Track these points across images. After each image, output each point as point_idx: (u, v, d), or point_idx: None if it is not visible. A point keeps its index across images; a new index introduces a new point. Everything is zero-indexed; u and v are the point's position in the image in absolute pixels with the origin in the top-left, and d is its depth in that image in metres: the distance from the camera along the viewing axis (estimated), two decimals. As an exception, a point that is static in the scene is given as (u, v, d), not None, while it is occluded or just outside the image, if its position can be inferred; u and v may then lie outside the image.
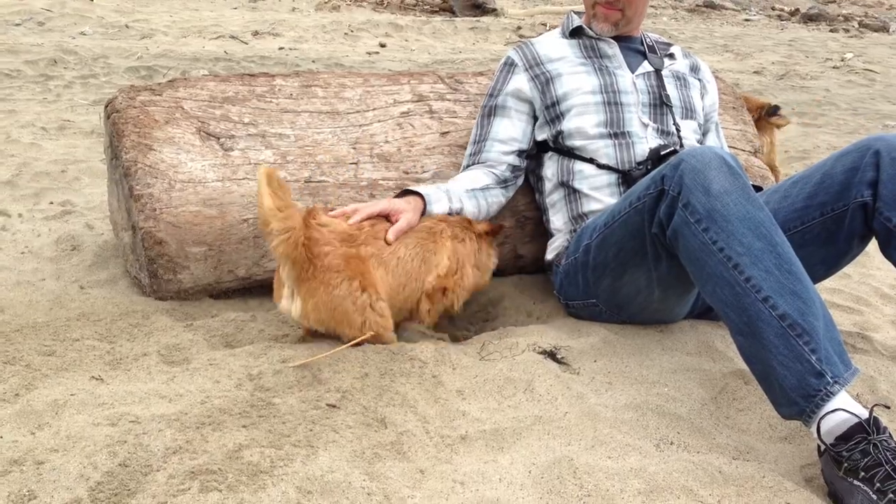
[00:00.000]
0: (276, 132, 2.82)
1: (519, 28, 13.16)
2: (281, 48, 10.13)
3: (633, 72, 2.78)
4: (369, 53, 10.33)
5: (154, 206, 2.55)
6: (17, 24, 10.15)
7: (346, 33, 11.75)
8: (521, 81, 2.80)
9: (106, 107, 2.80)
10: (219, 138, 2.74)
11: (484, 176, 2.74)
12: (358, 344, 2.26)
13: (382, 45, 11.20)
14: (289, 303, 2.23)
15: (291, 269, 2.18)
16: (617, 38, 2.83)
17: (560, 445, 1.89)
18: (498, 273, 3.06)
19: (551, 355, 2.31)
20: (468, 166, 2.83)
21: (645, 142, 2.66)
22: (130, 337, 2.33)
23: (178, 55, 8.71)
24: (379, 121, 2.97)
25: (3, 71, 7.39)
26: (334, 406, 1.97)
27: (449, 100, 3.11)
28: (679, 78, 2.85)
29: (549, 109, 2.75)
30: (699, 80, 2.95)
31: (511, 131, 2.80)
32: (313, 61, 9.10)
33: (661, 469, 1.82)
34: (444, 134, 3.00)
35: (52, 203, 3.76)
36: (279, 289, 2.27)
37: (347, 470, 1.71)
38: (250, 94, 2.89)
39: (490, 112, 2.84)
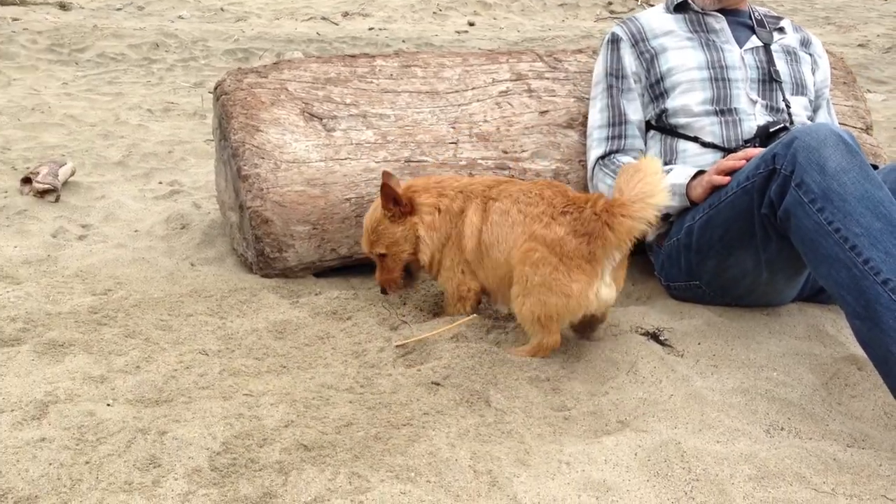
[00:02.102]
0: (377, 112, 2.85)
1: (610, 3, 12.88)
2: (371, 28, 10.23)
3: (741, 47, 2.69)
4: (458, 32, 10.31)
5: (261, 186, 2.62)
6: (119, 9, 10.55)
7: (434, 12, 11.75)
8: (630, 59, 2.75)
9: (215, 89, 2.89)
10: (322, 119, 2.80)
11: None
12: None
13: (471, 24, 11.17)
14: (609, 291, 2.12)
15: (621, 257, 2.14)
16: (724, 12, 2.74)
17: (666, 428, 1.87)
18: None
19: (654, 337, 2.28)
20: (615, 151, 2.74)
21: (753, 119, 2.58)
22: (240, 313, 2.42)
23: (273, 37, 8.89)
24: (478, 100, 2.97)
25: (109, 55, 7.71)
26: (438, 384, 2.00)
27: (548, 78, 3.08)
28: (789, 53, 2.74)
29: (654, 87, 2.70)
30: (810, 54, 2.84)
31: (640, 113, 2.76)
32: (403, 41, 9.15)
33: (773, 455, 1.78)
34: (542, 113, 2.98)
35: (160, 183, 3.92)
36: (590, 276, 2.07)
37: (453, 449, 1.73)
38: (352, 75, 2.94)
39: (618, 92, 2.76)
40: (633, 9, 12.25)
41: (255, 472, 1.62)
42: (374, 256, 2.44)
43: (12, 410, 1.80)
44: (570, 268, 2.06)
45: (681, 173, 2.47)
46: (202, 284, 2.64)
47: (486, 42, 9.39)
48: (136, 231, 3.22)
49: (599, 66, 2.82)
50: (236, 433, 1.75)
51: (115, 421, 1.76)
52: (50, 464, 1.61)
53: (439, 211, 2.33)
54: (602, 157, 2.74)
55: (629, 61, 2.74)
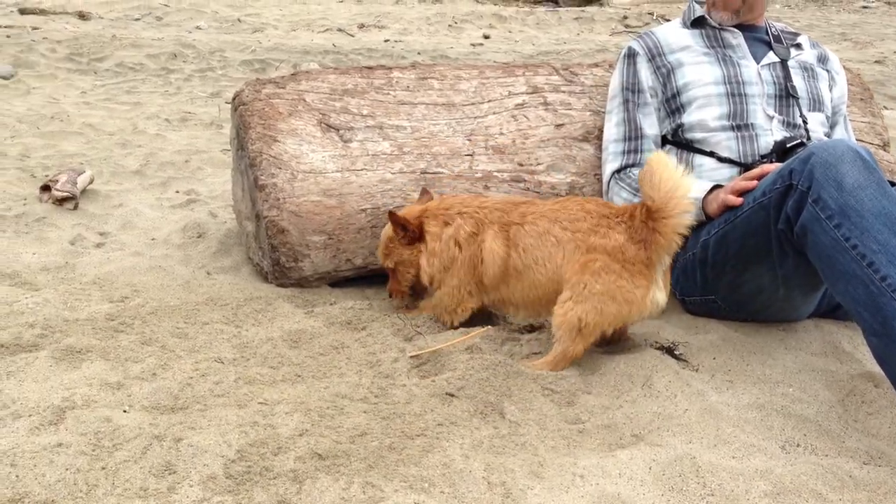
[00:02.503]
0: (394, 124, 2.87)
1: (625, 17, 12.92)
2: (387, 40, 10.29)
3: (758, 62, 2.69)
4: (473, 45, 10.36)
5: (278, 196, 2.64)
6: (137, 19, 10.67)
7: (450, 25, 11.82)
8: (646, 73, 2.75)
9: (233, 99, 2.91)
10: (338, 130, 2.81)
11: None
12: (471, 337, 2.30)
13: (486, 37, 11.22)
14: (662, 295, 2.16)
15: (670, 261, 2.18)
16: (741, 28, 2.75)
17: (681, 443, 1.86)
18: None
19: (669, 351, 2.28)
20: (630, 165, 2.74)
21: (770, 134, 2.58)
22: (256, 322, 2.43)
23: (289, 48, 8.96)
24: (494, 113, 2.98)
25: (128, 64, 7.79)
26: (453, 396, 2.00)
27: (564, 91, 3.09)
28: (806, 69, 2.74)
29: (670, 101, 2.70)
30: (827, 70, 2.83)
31: (656, 127, 2.76)
32: (419, 53, 9.19)
33: (788, 471, 1.77)
34: (558, 126, 2.99)
35: (177, 192, 3.94)
36: (649, 281, 2.13)
37: (467, 460, 1.73)
38: (369, 87, 2.96)
39: (634, 107, 2.77)
40: (648, 23, 12.27)
41: (270, 480, 1.63)
42: (386, 267, 2.55)
43: (30, 416, 1.81)
44: (633, 274, 2.11)
45: (697, 188, 2.47)
46: (218, 293, 2.65)
47: (501, 55, 9.42)
48: (153, 239, 3.25)
49: (616, 81, 2.83)
50: (251, 441, 1.75)
51: (132, 427, 1.77)
52: (66, 469, 1.62)
53: (440, 240, 2.40)
54: (618, 171, 2.74)
55: (646, 76, 2.74)
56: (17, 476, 1.58)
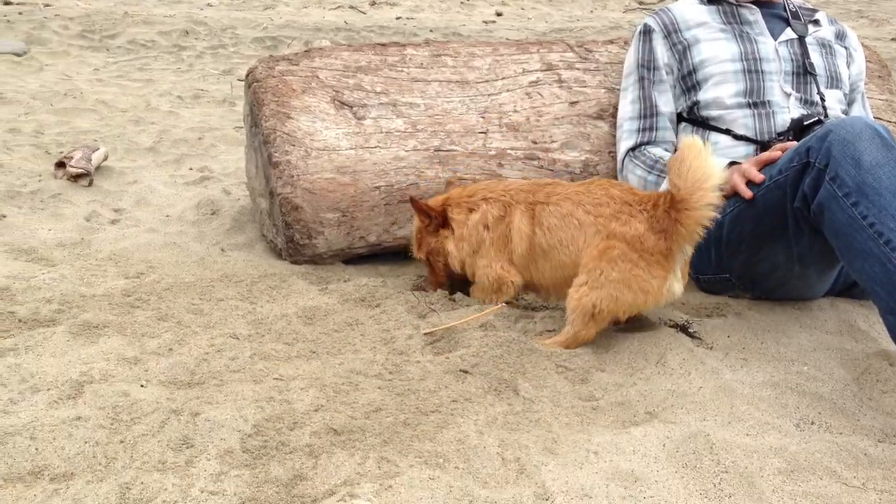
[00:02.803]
0: (407, 101, 2.86)
1: (639, -6, 12.80)
2: (398, 17, 10.24)
3: (775, 39, 2.66)
4: (486, 22, 10.30)
5: (291, 173, 2.64)
6: (150, -4, 10.63)
7: (462, 2, 11.74)
8: (661, 50, 2.73)
9: (247, 76, 2.91)
10: (352, 107, 2.81)
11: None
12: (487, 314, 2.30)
13: (499, 14, 11.14)
14: (679, 286, 2.16)
15: (692, 251, 2.17)
16: (758, 4, 2.71)
17: (695, 420, 1.87)
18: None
19: (684, 329, 2.27)
20: (645, 143, 2.72)
21: (787, 112, 2.56)
22: (270, 298, 2.44)
23: (301, 25, 8.92)
24: (508, 90, 2.97)
25: (140, 41, 7.78)
26: (466, 372, 2.01)
27: (578, 69, 3.07)
28: (824, 45, 2.71)
29: (685, 79, 2.68)
30: (845, 47, 2.80)
31: (671, 105, 2.74)
32: (430, 31, 9.14)
33: (802, 449, 1.77)
34: (573, 104, 2.97)
35: (191, 169, 3.95)
36: (666, 272, 2.12)
37: (481, 436, 1.74)
38: (382, 64, 2.94)
39: (649, 84, 2.74)
40: (662, 0, 12.14)
41: (286, 455, 1.64)
42: (421, 260, 2.59)
43: (48, 389, 1.83)
44: (650, 264, 2.10)
45: None
46: (232, 269, 2.66)
47: (513, 32, 9.36)
48: (167, 216, 3.26)
49: (631, 58, 2.81)
50: (267, 416, 1.77)
51: (149, 402, 1.79)
52: (85, 442, 1.64)
53: (467, 225, 2.42)
54: (632, 149, 2.73)
55: (661, 53, 2.72)
56: (36, 449, 1.60)
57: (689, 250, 2.15)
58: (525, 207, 2.33)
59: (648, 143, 2.71)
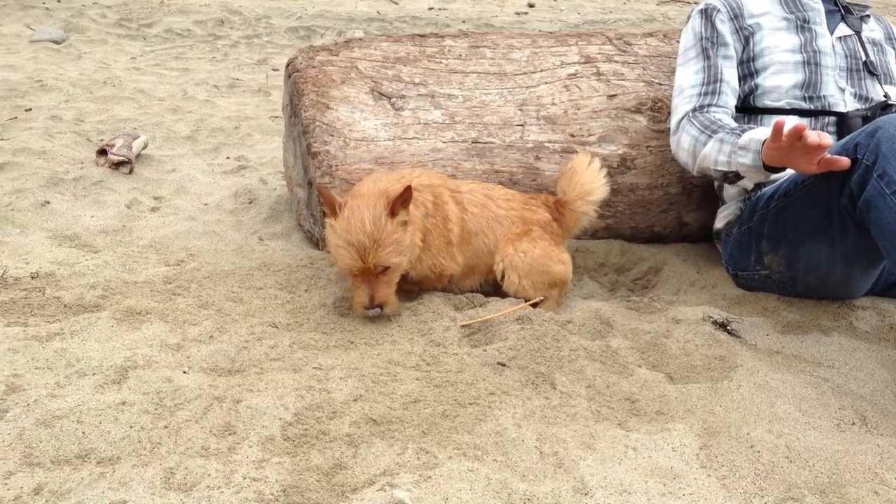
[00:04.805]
0: (445, 92, 2.86)
1: (674, -15, 12.64)
2: (430, 8, 10.22)
3: (830, 33, 2.63)
4: (518, 14, 10.25)
5: (330, 163, 2.65)
6: (186, -15, 10.70)
7: (495, -8, 11.68)
8: (727, 31, 2.67)
9: (287, 66, 2.93)
10: (390, 98, 2.81)
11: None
12: (534, 305, 2.31)
13: (531, 5, 11.08)
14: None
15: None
16: (811, -4, 2.68)
17: (734, 419, 1.85)
18: (660, 240, 3.02)
19: (723, 326, 2.26)
20: (707, 105, 2.59)
21: (842, 107, 2.52)
22: (308, 287, 2.46)
23: (334, 16, 8.94)
24: (546, 82, 2.95)
25: (176, 30, 7.84)
26: (504, 365, 2.01)
27: (617, 62, 3.05)
28: (875, 44, 2.67)
29: (745, 64, 2.64)
30: (894, 48, 2.76)
31: (736, 80, 2.66)
32: (463, 21, 9.12)
33: (844, 450, 1.75)
34: (611, 97, 2.95)
35: (228, 158, 3.99)
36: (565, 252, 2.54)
37: (519, 429, 1.75)
38: (421, 55, 2.94)
39: (714, 55, 2.64)
40: (698, -8, 11.99)
41: (326, 444, 1.66)
42: None
43: (94, 374, 1.86)
44: (557, 243, 2.52)
45: (764, 131, 2.29)
46: (270, 258, 2.69)
47: (546, 24, 9.31)
48: (205, 204, 3.29)
49: (690, 34, 2.72)
50: (307, 405, 1.78)
51: (192, 388, 1.82)
52: (131, 427, 1.67)
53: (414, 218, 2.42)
54: (693, 110, 2.59)
55: (727, 32, 2.65)
56: (83, 433, 1.63)
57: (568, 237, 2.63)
58: (450, 193, 2.43)
59: (710, 105, 2.59)
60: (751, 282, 2.55)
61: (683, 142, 2.57)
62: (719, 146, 2.38)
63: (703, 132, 2.48)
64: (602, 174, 2.52)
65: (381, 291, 2.20)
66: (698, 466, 1.68)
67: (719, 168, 2.39)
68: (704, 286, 2.70)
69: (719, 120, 2.50)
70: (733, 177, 2.39)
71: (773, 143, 2.08)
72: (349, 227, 2.14)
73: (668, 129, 2.79)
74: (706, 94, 2.61)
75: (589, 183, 2.50)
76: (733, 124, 2.46)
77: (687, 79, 2.67)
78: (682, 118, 2.61)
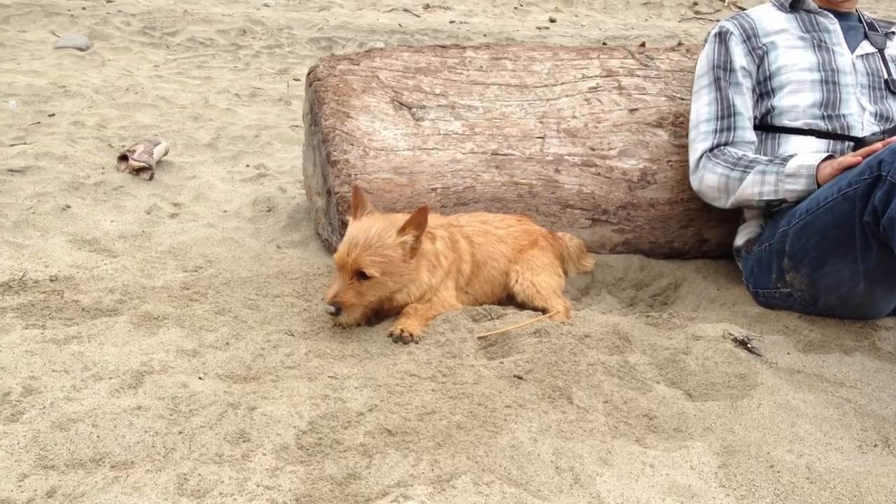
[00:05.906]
0: (466, 104, 2.86)
1: (695, 3, 12.64)
2: (452, 21, 10.25)
3: (851, 51, 2.60)
4: (539, 28, 10.26)
5: (349, 172, 2.65)
6: (209, -5, 10.79)
7: (515, 7, 11.72)
8: (740, 54, 2.68)
9: (308, 74, 2.94)
10: (411, 108, 2.81)
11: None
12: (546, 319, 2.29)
13: (552, 20, 11.09)
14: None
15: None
16: (835, 14, 2.66)
17: (754, 438, 1.82)
18: (680, 256, 2.99)
19: (743, 344, 2.23)
20: (723, 144, 2.65)
21: (860, 127, 2.50)
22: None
23: (356, 27, 8.99)
24: (567, 95, 2.95)
25: (199, 39, 7.91)
26: (520, 378, 1.99)
27: (639, 76, 3.04)
28: (898, 62, 2.65)
29: (761, 84, 2.63)
30: (918, 65, 2.73)
31: (749, 108, 2.68)
32: (484, 35, 9.14)
33: (866, 472, 1.72)
34: (632, 111, 2.94)
35: (248, 166, 4.00)
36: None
37: (535, 443, 1.73)
38: (442, 66, 2.94)
39: (726, 85, 2.67)
40: (719, 10, 11.98)
41: (340, 453, 1.64)
42: None
43: (110, 378, 1.86)
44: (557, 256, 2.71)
45: (810, 156, 2.38)
46: (288, 266, 2.68)
47: (566, 39, 9.31)
48: (224, 211, 3.30)
49: (704, 60, 2.75)
50: (322, 414, 1.77)
51: (207, 394, 1.81)
52: (145, 431, 1.66)
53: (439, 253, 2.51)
54: (711, 149, 2.64)
55: (739, 56, 2.66)
56: (98, 436, 1.63)
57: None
58: (456, 229, 2.48)
59: (726, 143, 2.63)
60: (771, 300, 2.52)
61: (708, 180, 2.61)
62: (761, 178, 2.45)
63: (734, 168, 2.54)
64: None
65: (348, 294, 2.17)
66: (717, 485, 1.65)
67: (764, 198, 2.47)
68: (724, 303, 2.67)
69: (745, 155, 2.57)
70: (777, 203, 2.48)
71: (852, 160, 2.22)
72: (358, 226, 2.21)
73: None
74: (721, 130, 2.66)
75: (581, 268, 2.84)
76: (762, 157, 2.54)
77: (700, 112, 2.72)
78: (701, 157, 2.67)
